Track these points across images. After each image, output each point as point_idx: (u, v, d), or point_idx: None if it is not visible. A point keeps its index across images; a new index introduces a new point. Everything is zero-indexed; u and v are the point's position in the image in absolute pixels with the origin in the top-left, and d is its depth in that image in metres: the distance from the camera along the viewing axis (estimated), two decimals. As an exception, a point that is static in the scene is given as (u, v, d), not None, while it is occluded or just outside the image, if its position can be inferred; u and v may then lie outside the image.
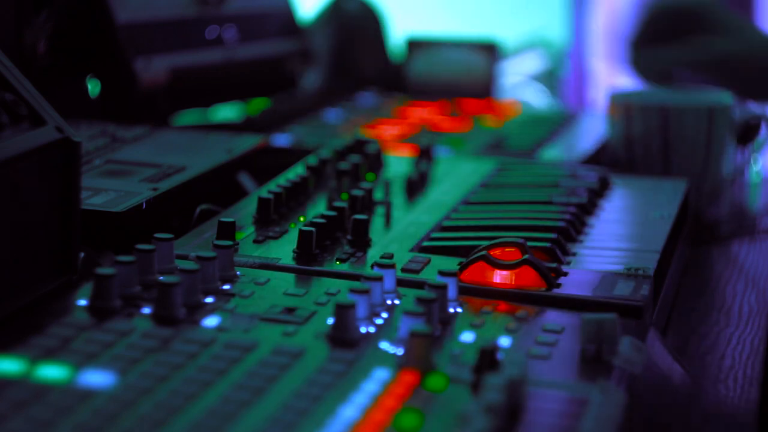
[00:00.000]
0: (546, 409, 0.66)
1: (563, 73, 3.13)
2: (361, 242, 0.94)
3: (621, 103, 1.34)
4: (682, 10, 1.26)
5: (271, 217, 0.99)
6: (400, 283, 0.84)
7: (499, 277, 0.86)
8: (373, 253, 0.92)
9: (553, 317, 0.80)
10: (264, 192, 1.01)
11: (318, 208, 1.03)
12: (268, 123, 1.41)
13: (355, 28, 1.78)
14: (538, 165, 1.26)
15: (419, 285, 0.82)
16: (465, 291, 0.84)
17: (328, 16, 1.78)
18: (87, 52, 1.37)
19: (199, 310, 0.77)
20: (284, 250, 0.92)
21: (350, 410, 0.64)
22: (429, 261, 0.90)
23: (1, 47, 0.84)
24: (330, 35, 1.76)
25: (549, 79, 2.81)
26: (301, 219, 1.00)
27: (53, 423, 0.61)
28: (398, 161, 1.21)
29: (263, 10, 1.62)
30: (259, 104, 1.53)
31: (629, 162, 1.33)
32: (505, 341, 0.76)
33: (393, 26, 1.86)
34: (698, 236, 1.25)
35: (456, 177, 1.17)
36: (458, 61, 1.74)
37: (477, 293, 0.84)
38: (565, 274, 0.89)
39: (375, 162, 1.17)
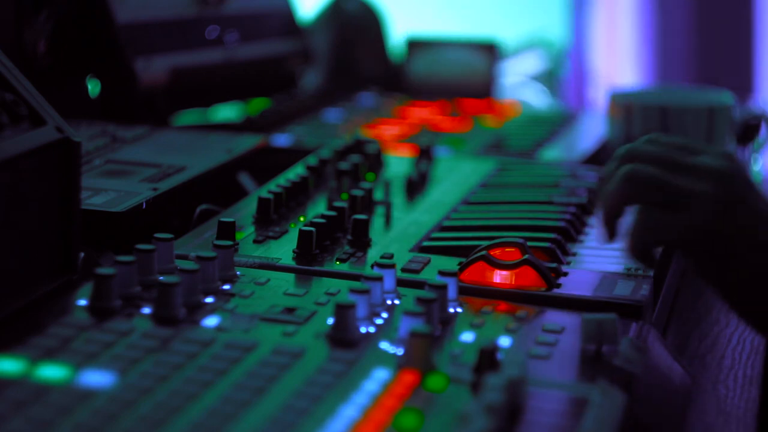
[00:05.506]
0: (546, 409, 0.66)
1: (563, 73, 3.13)
2: (361, 242, 0.94)
3: (621, 103, 1.34)
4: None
5: (271, 217, 0.99)
6: (400, 283, 0.84)
7: (499, 277, 0.86)
8: (373, 253, 0.92)
9: (553, 317, 0.80)
10: (264, 192, 1.01)
11: (318, 208, 1.03)
12: (268, 123, 1.41)
13: (355, 28, 1.78)
14: (538, 165, 1.26)
15: (419, 285, 0.82)
16: (465, 291, 0.84)
17: (328, 16, 1.78)
18: (87, 52, 1.36)
19: (199, 310, 0.77)
20: (284, 250, 0.92)
21: (350, 410, 0.64)
22: (429, 261, 0.90)
23: (1, 47, 0.84)
24: (330, 35, 1.76)
25: (549, 79, 2.81)
26: (301, 219, 1.00)
27: (53, 423, 0.61)
28: (398, 161, 1.21)
29: (263, 10, 1.62)
30: (259, 104, 1.53)
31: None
32: (505, 341, 0.76)
33: (393, 26, 1.86)
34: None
35: (456, 177, 1.17)
36: (458, 61, 1.74)
37: (477, 293, 0.84)
38: (565, 274, 0.89)
39: (375, 162, 1.17)
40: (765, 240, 0.78)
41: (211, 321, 0.75)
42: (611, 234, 0.82)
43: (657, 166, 0.79)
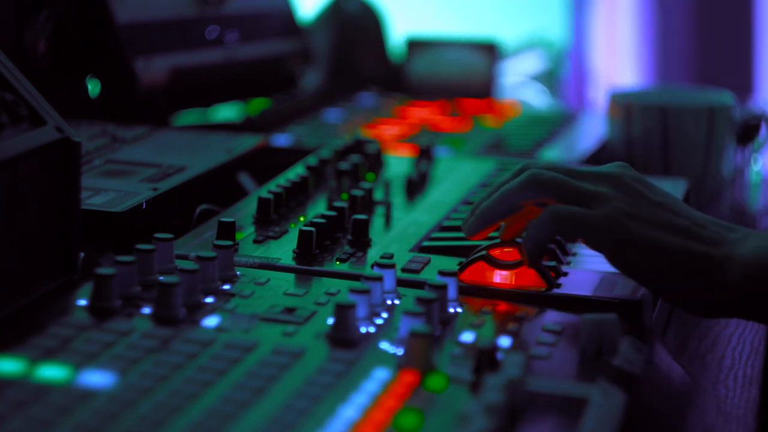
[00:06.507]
0: (546, 409, 0.66)
1: (563, 73, 3.13)
2: (361, 242, 0.94)
3: (621, 103, 1.34)
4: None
5: (271, 217, 0.99)
6: (400, 283, 0.84)
7: (499, 277, 0.86)
8: (373, 253, 0.92)
9: (553, 317, 0.80)
10: (264, 192, 1.01)
11: (318, 208, 1.03)
12: (268, 123, 1.41)
13: (355, 28, 1.78)
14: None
15: (419, 285, 0.82)
16: (465, 291, 0.84)
17: (328, 16, 1.78)
18: (87, 52, 1.36)
19: (199, 310, 0.77)
20: (284, 250, 0.92)
21: (350, 410, 0.64)
22: (429, 261, 0.90)
23: (1, 47, 0.84)
24: (330, 35, 1.76)
25: (549, 79, 2.81)
26: (301, 219, 1.00)
27: (53, 423, 0.61)
28: (398, 161, 1.21)
29: (263, 10, 1.62)
30: (259, 104, 1.53)
31: (629, 162, 1.32)
32: (505, 341, 0.76)
33: (393, 26, 1.86)
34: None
35: (456, 177, 1.17)
36: (458, 61, 1.74)
37: (477, 293, 0.84)
38: (565, 274, 0.88)
39: (375, 162, 1.17)
40: (666, 222, 0.82)
41: (211, 321, 0.75)
42: (486, 223, 0.86)
43: (557, 172, 0.84)
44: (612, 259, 0.83)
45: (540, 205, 0.85)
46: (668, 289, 0.82)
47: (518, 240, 0.89)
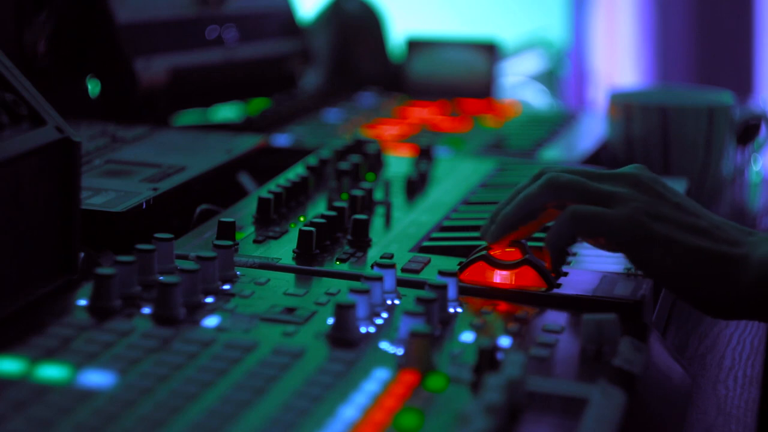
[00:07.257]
0: (546, 409, 0.66)
1: (563, 73, 3.13)
2: (361, 242, 0.94)
3: (621, 103, 1.34)
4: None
5: (271, 217, 0.99)
6: (400, 283, 0.84)
7: (499, 277, 0.86)
8: (373, 253, 0.92)
9: (553, 317, 0.80)
10: (264, 192, 1.01)
11: (318, 208, 1.03)
12: (268, 123, 1.41)
13: (355, 28, 1.78)
14: (538, 165, 1.26)
15: (419, 285, 0.82)
16: (465, 291, 0.84)
17: (328, 16, 1.78)
18: (87, 52, 1.37)
19: (199, 310, 0.77)
20: (284, 250, 0.92)
21: (350, 410, 0.64)
22: (429, 261, 0.90)
23: (1, 47, 0.84)
24: (330, 35, 1.76)
25: (549, 79, 2.81)
26: (301, 219, 1.00)
27: (53, 423, 0.61)
28: (398, 161, 1.21)
29: (263, 10, 1.62)
30: (259, 104, 1.53)
31: (629, 162, 1.33)
32: (505, 341, 0.76)
33: (393, 26, 1.86)
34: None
35: (456, 177, 1.17)
36: (458, 61, 1.74)
37: (477, 293, 0.84)
38: (565, 274, 0.88)
39: (375, 162, 1.17)
40: (686, 222, 0.82)
41: (211, 321, 0.75)
42: (508, 230, 0.86)
43: (574, 175, 0.85)
44: (632, 257, 0.83)
45: (559, 208, 0.85)
46: (686, 288, 0.82)
47: (521, 241, 0.89)
